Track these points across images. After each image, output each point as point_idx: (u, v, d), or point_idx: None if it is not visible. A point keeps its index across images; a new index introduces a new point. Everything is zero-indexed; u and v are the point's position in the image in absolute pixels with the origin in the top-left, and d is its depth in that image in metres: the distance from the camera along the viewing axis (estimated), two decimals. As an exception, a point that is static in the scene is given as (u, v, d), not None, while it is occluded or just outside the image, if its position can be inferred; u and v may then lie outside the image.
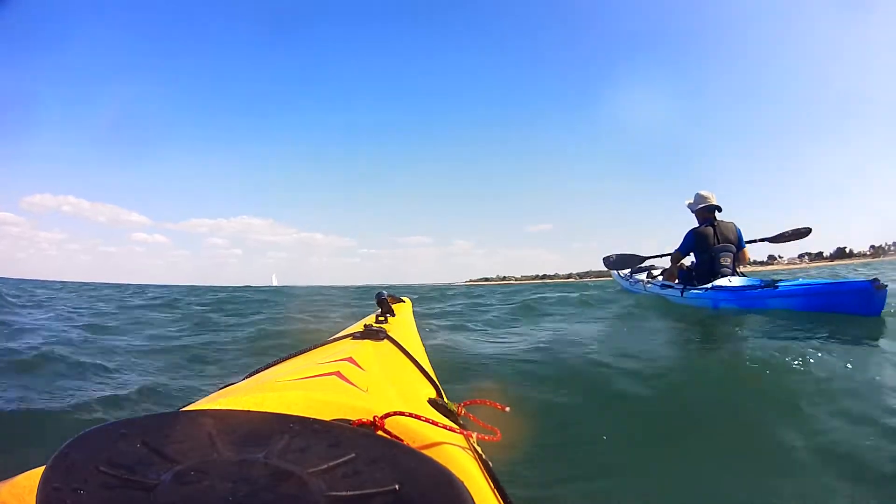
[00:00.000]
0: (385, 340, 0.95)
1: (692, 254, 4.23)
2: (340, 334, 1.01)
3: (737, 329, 2.89)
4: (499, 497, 0.51)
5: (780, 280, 3.43)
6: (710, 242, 4.02)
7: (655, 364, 2.06)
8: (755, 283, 3.53)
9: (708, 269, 4.04)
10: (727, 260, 4.01)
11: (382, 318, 1.37)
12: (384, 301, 1.41)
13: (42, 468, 0.31)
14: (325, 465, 0.33)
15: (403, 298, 1.83)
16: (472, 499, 0.31)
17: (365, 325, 1.06)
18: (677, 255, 4.36)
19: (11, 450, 1.42)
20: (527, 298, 6.68)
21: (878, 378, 1.72)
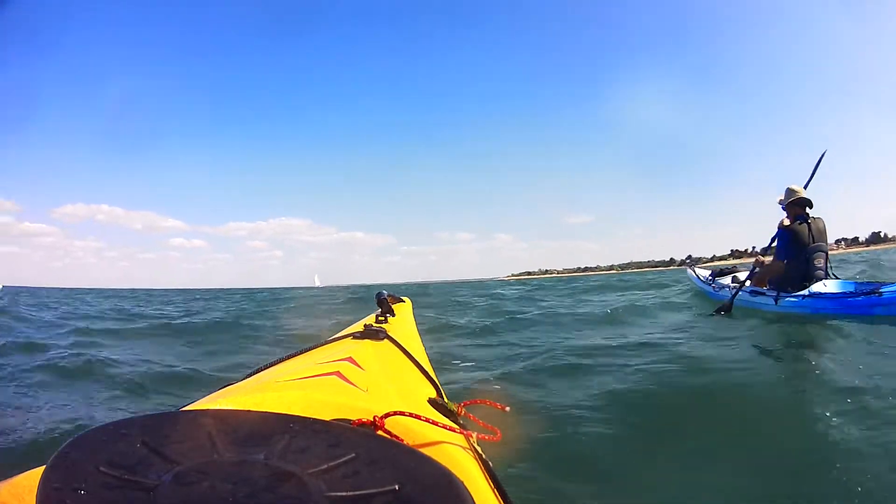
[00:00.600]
0: (385, 340, 0.95)
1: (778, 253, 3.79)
2: (340, 334, 1.01)
3: (837, 341, 2.58)
4: (499, 497, 0.51)
5: (883, 284, 3.16)
6: (805, 241, 3.62)
7: (673, 365, 1.99)
8: (853, 289, 3.28)
9: (802, 271, 3.61)
10: (820, 261, 3.62)
11: (382, 318, 1.37)
12: (384, 301, 1.42)
13: (42, 468, 0.31)
14: (326, 466, 0.33)
15: (403, 298, 1.83)
16: (472, 499, 0.31)
17: (365, 325, 1.06)
18: (778, 266, 3.79)
19: (12, 450, 1.42)
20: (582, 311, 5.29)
21: None
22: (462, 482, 0.32)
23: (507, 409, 0.66)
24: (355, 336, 0.94)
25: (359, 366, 0.70)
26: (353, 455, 0.35)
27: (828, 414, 1.44)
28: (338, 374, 0.63)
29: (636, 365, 2.13)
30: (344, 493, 0.31)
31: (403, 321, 1.49)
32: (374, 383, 0.64)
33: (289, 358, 0.86)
